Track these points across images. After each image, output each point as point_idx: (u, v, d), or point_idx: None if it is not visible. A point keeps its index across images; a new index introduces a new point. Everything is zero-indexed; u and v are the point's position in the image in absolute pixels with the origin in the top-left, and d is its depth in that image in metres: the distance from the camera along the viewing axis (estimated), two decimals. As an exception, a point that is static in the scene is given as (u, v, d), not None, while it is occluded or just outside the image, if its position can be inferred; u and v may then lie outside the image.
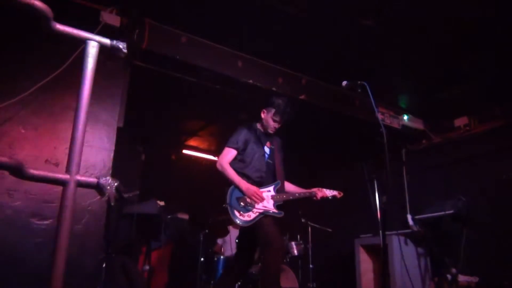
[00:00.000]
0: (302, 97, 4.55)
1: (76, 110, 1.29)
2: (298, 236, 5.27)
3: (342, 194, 3.48)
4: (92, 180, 1.29)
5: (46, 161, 2.80)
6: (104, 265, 3.28)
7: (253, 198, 3.07)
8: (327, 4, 3.47)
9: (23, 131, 2.77)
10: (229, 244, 5.49)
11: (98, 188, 1.29)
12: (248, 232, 3.15)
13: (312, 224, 5.26)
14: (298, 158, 6.58)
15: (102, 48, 1.39)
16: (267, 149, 3.36)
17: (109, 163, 3.06)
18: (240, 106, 4.76)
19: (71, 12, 3.01)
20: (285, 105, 3.29)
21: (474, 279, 4.01)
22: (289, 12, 3.55)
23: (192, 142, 7.00)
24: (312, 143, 6.17)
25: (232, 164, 3.19)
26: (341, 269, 5.69)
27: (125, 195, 3.80)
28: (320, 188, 3.40)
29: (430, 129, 5.70)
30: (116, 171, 3.12)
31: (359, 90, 2.86)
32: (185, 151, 7.07)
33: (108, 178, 1.30)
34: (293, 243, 4.94)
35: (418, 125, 5.64)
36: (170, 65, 3.88)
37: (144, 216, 3.94)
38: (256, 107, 3.47)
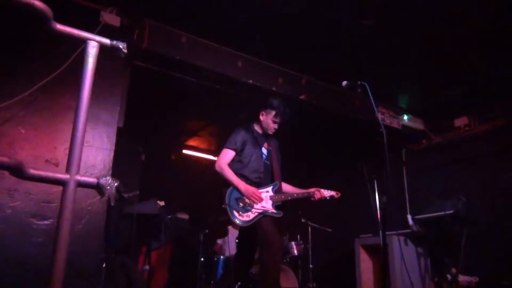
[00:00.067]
0: (302, 97, 4.55)
1: (76, 110, 1.29)
2: (298, 236, 5.27)
3: (340, 194, 3.49)
4: (92, 180, 1.29)
5: (46, 161, 2.79)
6: (104, 265, 3.28)
7: (252, 198, 3.09)
8: (327, 4, 3.47)
9: (23, 131, 2.77)
10: (229, 244, 5.49)
11: (98, 188, 1.29)
12: (248, 232, 3.16)
13: (312, 224, 5.26)
14: (298, 158, 6.59)
15: (102, 48, 1.39)
16: (264, 150, 3.38)
17: (109, 163, 3.06)
18: (240, 106, 4.76)
19: (71, 12, 3.00)
20: (284, 106, 3.33)
21: (474, 279, 4.01)
22: (289, 12, 3.55)
23: (192, 142, 7.00)
24: (312, 143, 6.17)
25: (230, 165, 3.20)
26: (341, 269, 5.68)
27: (125, 195, 3.80)
28: (318, 188, 3.41)
29: (430, 129, 5.70)
30: (116, 171, 3.12)
31: (359, 90, 2.86)
32: (185, 151, 7.07)
33: (108, 178, 1.30)
34: (293, 243, 4.94)
35: (418, 125, 5.64)
36: (170, 65, 3.88)
37: (144, 216, 3.94)
38: (256, 107, 3.48)
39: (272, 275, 2.93)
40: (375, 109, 2.82)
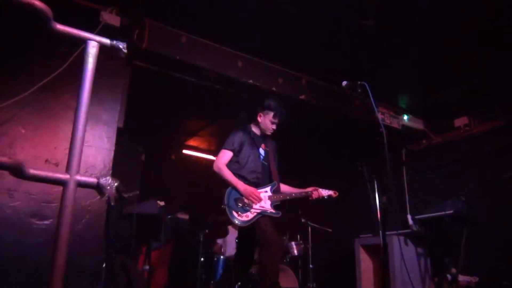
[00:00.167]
0: (302, 97, 4.55)
1: (76, 110, 1.29)
2: (298, 236, 5.28)
3: (337, 193, 3.52)
4: (92, 180, 1.29)
5: (46, 161, 2.79)
6: (104, 265, 3.28)
7: (251, 198, 3.11)
8: (327, 4, 3.47)
9: (23, 131, 2.77)
10: (229, 244, 5.49)
11: (98, 188, 1.29)
12: (247, 232, 3.17)
13: (312, 224, 5.26)
14: (298, 158, 6.59)
15: (102, 48, 1.39)
16: (262, 151, 3.41)
17: (109, 163, 3.06)
18: (240, 106, 4.76)
19: (71, 12, 3.00)
20: (281, 106, 3.36)
21: (474, 279, 4.01)
22: (289, 12, 3.55)
23: (192, 142, 7.00)
24: (312, 143, 6.17)
25: (228, 165, 3.22)
26: (341, 269, 5.69)
27: (125, 195, 3.80)
28: (315, 188, 3.44)
29: (430, 129, 5.70)
30: (116, 171, 3.12)
31: (359, 90, 2.86)
32: (185, 151, 7.07)
33: (108, 178, 1.30)
34: (293, 243, 4.94)
35: (418, 125, 5.64)
36: (170, 65, 3.88)
37: (144, 216, 3.94)
38: (256, 107, 3.48)
39: (271, 275, 2.94)
40: (375, 109, 2.82)
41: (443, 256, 4.22)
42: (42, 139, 2.83)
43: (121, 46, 1.43)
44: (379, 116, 3.54)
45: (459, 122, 5.35)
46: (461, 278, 3.97)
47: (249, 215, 3.06)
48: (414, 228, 4.50)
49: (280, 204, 3.26)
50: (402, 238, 4.48)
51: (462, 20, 3.62)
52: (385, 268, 3.52)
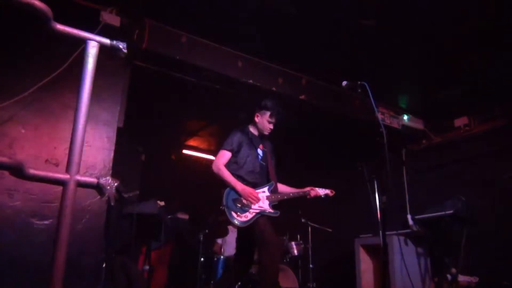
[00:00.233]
0: (302, 97, 4.55)
1: (76, 110, 1.29)
2: (298, 236, 5.28)
3: (334, 192, 3.57)
4: (92, 180, 1.30)
5: (46, 161, 2.79)
6: (104, 265, 3.28)
7: (249, 199, 3.12)
8: (327, 4, 3.47)
9: (23, 131, 2.77)
10: (229, 244, 5.49)
11: (98, 188, 1.29)
12: (247, 232, 3.18)
13: (312, 224, 5.26)
14: (298, 158, 6.60)
15: (102, 48, 1.39)
16: (260, 151, 3.44)
17: (109, 163, 3.06)
18: (240, 106, 4.76)
19: (71, 12, 3.00)
20: (277, 106, 3.38)
21: (474, 279, 4.01)
22: (289, 12, 3.55)
23: (192, 142, 7.00)
24: (312, 143, 6.17)
25: (227, 166, 3.24)
26: (341, 269, 5.69)
27: (125, 195, 3.80)
28: (312, 187, 3.49)
29: (430, 129, 5.70)
30: (116, 171, 3.12)
31: (359, 90, 2.87)
32: (185, 151, 7.07)
33: (108, 178, 1.30)
34: (293, 243, 4.95)
35: (418, 125, 5.64)
36: (170, 65, 3.88)
37: (144, 216, 3.94)
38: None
39: (271, 275, 2.95)
40: (375, 109, 2.82)
41: (443, 256, 4.22)
42: (42, 139, 2.83)
43: (121, 46, 1.43)
44: (379, 116, 3.54)
45: (459, 122, 5.35)
46: (461, 278, 3.97)
47: (248, 216, 3.08)
48: (414, 228, 4.50)
49: (278, 204, 3.27)
50: (402, 238, 4.48)
51: (462, 20, 3.62)
52: (385, 268, 3.51)
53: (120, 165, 3.34)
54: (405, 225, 4.57)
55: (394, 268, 4.30)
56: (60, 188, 1.23)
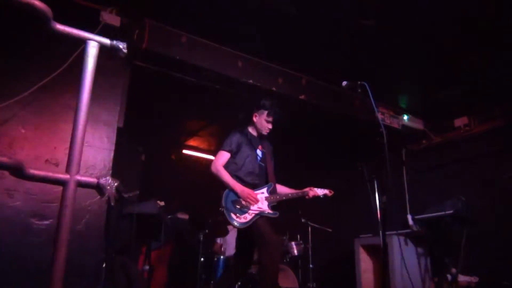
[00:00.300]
0: (302, 97, 4.55)
1: (76, 110, 1.29)
2: (298, 236, 5.27)
3: (333, 192, 3.56)
4: (92, 180, 1.30)
5: (46, 161, 2.79)
6: (104, 265, 3.28)
7: (248, 200, 3.12)
8: (327, 4, 3.47)
9: (23, 131, 2.77)
10: (229, 244, 5.49)
11: (98, 188, 1.29)
12: (246, 232, 3.18)
13: (312, 224, 5.26)
14: (298, 158, 6.59)
15: (102, 48, 1.39)
16: (259, 152, 3.44)
17: (109, 163, 3.06)
18: (240, 106, 4.76)
19: (71, 12, 3.00)
20: (274, 105, 3.38)
21: (474, 279, 4.01)
22: (289, 12, 3.55)
23: (192, 142, 7.00)
24: (312, 143, 6.17)
25: (226, 167, 3.24)
26: (341, 269, 5.69)
27: (125, 195, 3.80)
28: (311, 188, 3.48)
29: (430, 129, 5.70)
30: (116, 171, 3.12)
31: (359, 90, 2.87)
32: (185, 151, 7.07)
33: (108, 178, 1.30)
34: (293, 243, 4.94)
35: (418, 125, 5.64)
36: (170, 65, 3.88)
37: (144, 216, 3.94)
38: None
39: (271, 275, 2.95)
40: (375, 109, 2.82)
41: (443, 256, 4.22)
42: (42, 139, 2.83)
43: (121, 46, 1.43)
44: (379, 116, 3.54)
45: (459, 122, 5.34)
46: (461, 278, 3.97)
47: (247, 217, 3.08)
48: (414, 228, 4.50)
49: (277, 204, 3.27)
50: (402, 238, 4.48)
51: (462, 20, 3.62)
52: (385, 268, 3.51)
53: (120, 165, 3.33)
54: (405, 225, 4.57)
55: (394, 268, 4.30)
56: (60, 188, 1.23)
